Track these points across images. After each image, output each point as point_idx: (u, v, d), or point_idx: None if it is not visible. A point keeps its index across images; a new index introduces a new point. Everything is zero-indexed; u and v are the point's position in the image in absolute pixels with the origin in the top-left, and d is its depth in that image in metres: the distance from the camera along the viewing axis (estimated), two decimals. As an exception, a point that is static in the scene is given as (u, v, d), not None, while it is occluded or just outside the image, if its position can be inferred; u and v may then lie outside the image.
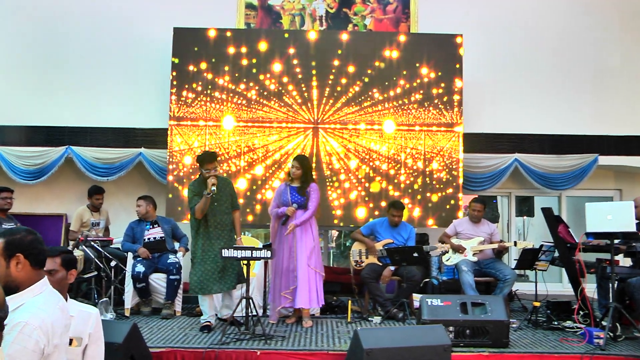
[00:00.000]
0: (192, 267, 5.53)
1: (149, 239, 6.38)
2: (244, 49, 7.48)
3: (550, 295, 6.31)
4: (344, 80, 7.48)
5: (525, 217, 9.16)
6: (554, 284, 7.53)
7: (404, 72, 7.50)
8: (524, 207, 8.98)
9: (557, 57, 8.12)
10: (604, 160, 7.82)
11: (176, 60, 7.46)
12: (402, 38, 7.63)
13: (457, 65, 7.49)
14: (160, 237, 6.40)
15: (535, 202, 8.95)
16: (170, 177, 7.36)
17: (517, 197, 8.70)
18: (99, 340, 3.19)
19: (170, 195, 7.33)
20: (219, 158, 5.92)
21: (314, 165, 7.07)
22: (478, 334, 4.76)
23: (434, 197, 7.41)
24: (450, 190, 7.42)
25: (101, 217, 7.24)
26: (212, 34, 7.50)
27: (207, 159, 5.46)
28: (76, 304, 3.18)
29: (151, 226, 6.49)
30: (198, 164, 5.57)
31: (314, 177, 6.08)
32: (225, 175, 7.02)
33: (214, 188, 5.27)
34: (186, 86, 7.44)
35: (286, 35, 7.66)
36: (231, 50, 7.48)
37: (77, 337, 3.04)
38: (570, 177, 7.75)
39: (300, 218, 5.71)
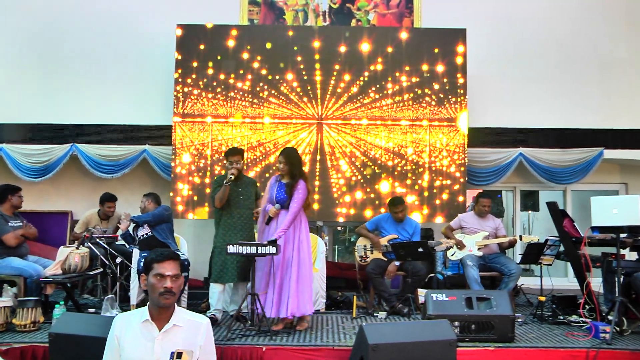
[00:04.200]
0: (213, 257, 5.62)
1: (141, 236, 6.37)
2: (247, 45, 7.47)
3: (555, 290, 6.30)
4: (347, 76, 7.46)
5: (530, 212, 9.14)
6: (559, 278, 7.51)
7: (408, 67, 7.48)
8: (529, 201, 8.95)
9: (561, 50, 8.08)
10: (609, 154, 7.77)
11: (180, 57, 7.45)
12: (406, 33, 7.60)
13: (461, 60, 7.46)
14: (146, 234, 6.36)
15: (540, 197, 8.92)
16: (174, 174, 7.37)
17: (521, 191, 8.68)
18: (211, 355, 2.98)
19: (171, 194, 7.34)
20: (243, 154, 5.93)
21: (318, 156, 7.13)
22: (483, 328, 4.73)
23: (439, 192, 7.40)
24: (454, 185, 7.39)
25: (109, 226, 7.20)
26: (215, 30, 7.49)
27: (230, 152, 5.73)
28: (185, 312, 3.00)
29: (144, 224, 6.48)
30: (225, 158, 5.78)
31: (303, 171, 5.45)
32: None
33: (231, 177, 5.44)
34: (190, 82, 7.44)
35: (290, 32, 7.63)
36: (235, 46, 7.47)
37: (187, 351, 2.81)
38: (575, 171, 7.71)
39: (279, 230, 5.13)
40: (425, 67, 7.47)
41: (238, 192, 5.62)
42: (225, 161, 5.74)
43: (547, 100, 8.00)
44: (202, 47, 7.46)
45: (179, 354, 2.78)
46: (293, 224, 5.23)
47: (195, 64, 7.44)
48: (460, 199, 7.38)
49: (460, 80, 7.44)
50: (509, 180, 8.04)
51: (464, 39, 7.46)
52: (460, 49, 7.46)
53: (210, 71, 7.44)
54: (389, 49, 7.49)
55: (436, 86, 7.45)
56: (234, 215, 5.61)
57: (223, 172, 5.72)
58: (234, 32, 7.50)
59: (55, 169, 7.64)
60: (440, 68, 7.47)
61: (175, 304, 2.95)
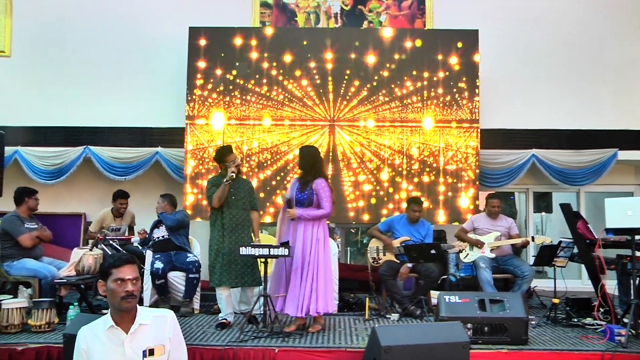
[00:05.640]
0: (210, 261, 5.55)
1: (157, 238, 6.40)
2: (259, 47, 7.50)
3: (569, 292, 6.24)
4: (359, 77, 7.47)
5: (543, 213, 9.08)
6: (573, 280, 7.47)
7: (420, 69, 7.47)
8: (542, 203, 8.90)
9: (574, 50, 8.03)
10: (624, 155, 7.71)
11: (192, 60, 7.49)
12: (418, 34, 7.60)
13: (474, 61, 7.44)
14: (162, 237, 6.39)
15: (553, 198, 8.87)
16: (187, 176, 7.41)
17: (534, 193, 8.63)
18: (180, 345, 3.02)
19: (184, 195, 7.38)
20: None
21: (330, 157, 7.25)
22: (496, 331, 4.71)
23: (451, 194, 7.38)
24: (467, 187, 7.37)
25: (123, 223, 7.23)
26: (227, 32, 7.53)
27: (226, 150, 5.59)
28: (148, 310, 3.01)
29: (159, 225, 6.50)
30: (217, 161, 5.63)
31: (319, 169, 5.32)
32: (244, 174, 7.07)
33: (232, 174, 5.35)
34: (202, 85, 7.47)
35: (302, 36, 7.64)
36: (246, 48, 7.50)
37: (158, 346, 2.87)
38: (589, 173, 7.66)
39: (307, 211, 5.15)
40: (437, 69, 7.46)
41: (230, 192, 5.48)
42: (221, 163, 5.54)
43: (560, 101, 7.95)
44: (213, 49, 7.49)
45: (151, 351, 2.83)
46: (312, 223, 5.20)
47: (206, 67, 7.48)
48: (473, 201, 7.36)
49: (473, 81, 7.43)
50: (522, 182, 8.01)
51: (476, 40, 7.44)
52: (472, 50, 7.44)
53: (221, 73, 7.47)
54: (401, 51, 7.48)
55: (448, 87, 7.44)
56: (225, 216, 5.48)
57: (214, 173, 5.57)
58: (246, 35, 7.53)
59: (69, 171, 7.72)
60: (452, 69, 7.46)
61: (137, 305, 2.94)
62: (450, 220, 7.39)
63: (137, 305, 2.96)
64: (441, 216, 7.39)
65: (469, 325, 4.67)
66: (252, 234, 5.66)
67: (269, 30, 7.78)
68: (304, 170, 5.29)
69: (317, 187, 5.19)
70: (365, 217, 7.39)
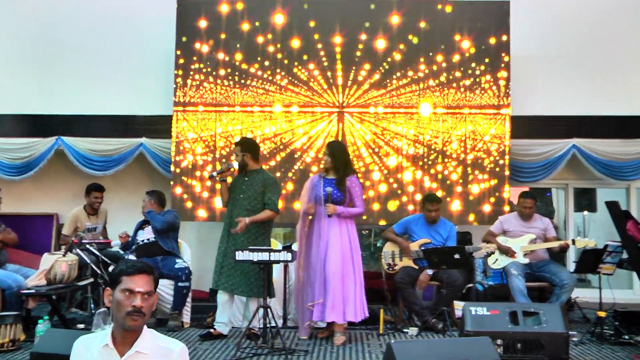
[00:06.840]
0: None
1: (141, 241, 6.37)
2: (257, 23, 7.47)
3: (618, 304, 6.20)
4: (372, 57, 7.42)
5: (585, 213, 9.03)
6: (622, 290, 7.43)
7: (442, 47, 7.43)
8: (584, 200, 8.86)
9: (621, 25, 7.95)
10: (682, 145, 7.62)
11: (181, 39, 7.46)
12: (440, 7, 7.51)
13: (504, 38, 7.38)
14: (148, 240, 6.36)
15: (597, 195, 8.83)
16: (175, 170, 7.39)
17: (575, 189, 8.57)
18: None
19: (175, 190, 7.36)
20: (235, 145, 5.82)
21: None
22: (531, 348, 4.67)
23: (477, 190, 7.34)
24: (495, 182, 7.33)
25: (99, 221, 7.25)
26: (222, 7, 7.48)
27: (239, 140, 5.91)
28: (155, 337, 2.80)
29: (144, 226, 6.47)
30: None
31: (351, 166, 5.84)
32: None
33: (214, 173, 5.62)
34: (193, 67, 7.45)
35: (306, 6, 7.59)
36: (243, 25, 7.47)
37: None
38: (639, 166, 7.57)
39: (347, 209, 5.52)
40: (462, 47, 7.40)
41: (241, 190, 5.56)
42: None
43: (605, 84, 7.88)
44: (206, 26, 7.46)
45: None
46: (345, 223, 5.53)
47: (198, 46, 7.45)
48: (503, 198, 7.30)
49: (504, 61, 7.36)
50: (560, 176, 7.94)
51: (507, 13, 7.37)
52: (503, 25, 7.37)
53: (215, 53, 7.45)
54: (420, 26, 7.42)
55: (475, 68, 7.39)
56: (231, 215, 5.57)
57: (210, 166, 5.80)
58: (242, 9, 7.48)
59: (38, 165, 7.68)
60: (479, 47, 7.40)
61: (145, 326, 2.75)
62: (476, 221, 7.33)
63: (145, 327, 2.75)
64: (466, 216, 7.34)
65: (499, 342, 4.64)
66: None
67: (268, 2, 7.70)
68: (337, 168, 5.57)
69: (349, 185, 5.56)
70: (379, 216, 7.35)
